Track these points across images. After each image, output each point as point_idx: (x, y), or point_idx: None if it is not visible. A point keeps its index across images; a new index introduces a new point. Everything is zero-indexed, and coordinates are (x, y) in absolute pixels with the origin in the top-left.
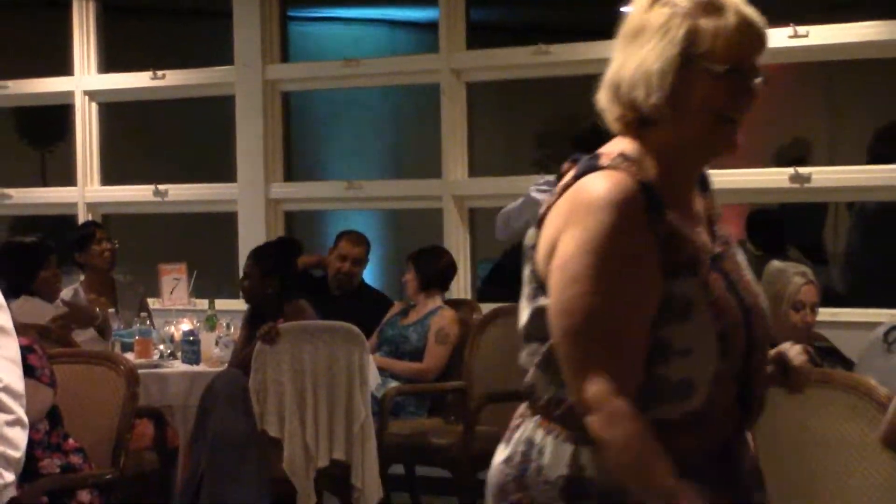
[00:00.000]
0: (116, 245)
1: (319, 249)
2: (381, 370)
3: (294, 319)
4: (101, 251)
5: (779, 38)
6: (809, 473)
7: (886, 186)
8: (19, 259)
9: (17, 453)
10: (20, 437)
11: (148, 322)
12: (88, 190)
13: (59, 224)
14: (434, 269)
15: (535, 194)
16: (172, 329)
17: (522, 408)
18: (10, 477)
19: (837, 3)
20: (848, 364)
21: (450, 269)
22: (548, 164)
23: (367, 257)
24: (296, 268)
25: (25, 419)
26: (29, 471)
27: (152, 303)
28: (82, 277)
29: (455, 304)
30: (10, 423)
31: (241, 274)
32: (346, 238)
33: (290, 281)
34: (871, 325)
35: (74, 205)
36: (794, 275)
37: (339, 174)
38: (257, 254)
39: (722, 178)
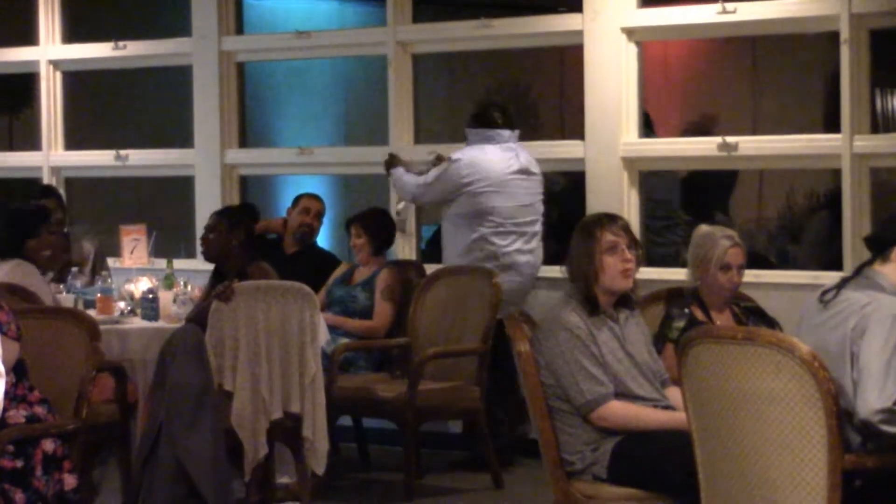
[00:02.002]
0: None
1: (273, 213)
2: (334, 328)
3: (259, 280)
4: (43, 245)
5: (708, 13)
6: (735, 426)
7: (807, 155)
8: (12, 224)
9: None
10: None
11: (109, 280)
12: (53, 154)
13: (25, 187)
14: (384, 233)
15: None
16: (132, 287)
17: None
18: None
19: None
20: (771, 323)
21: (393, 229)
22: None
23: (324, 214)
24: (255, 233)
25: (2, 369)
26: None
27: (113, 262)
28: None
29: (401, 264)
30: None
31: (202, 232)
32: (306, 196)
33: (251, 244)
34: (793, 286)
35: (39, 168)
36: (722, 238)
37: (292, 141)
38: (223, 211)
39: (653, 146)
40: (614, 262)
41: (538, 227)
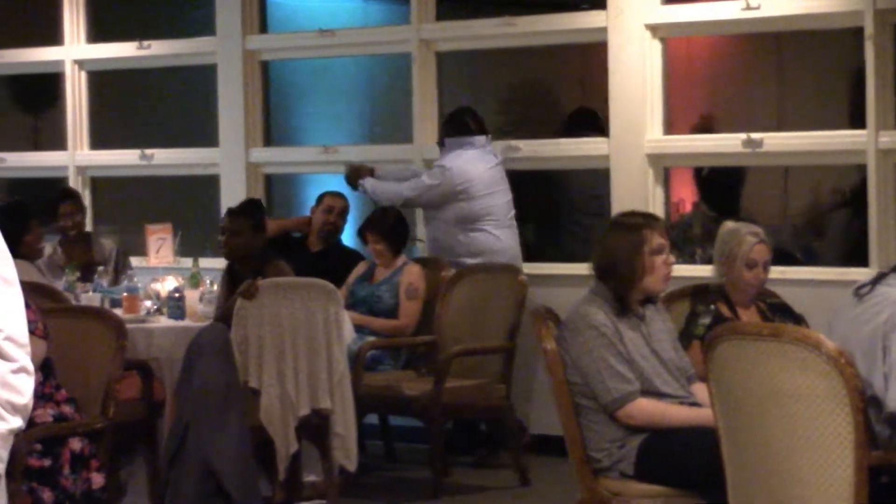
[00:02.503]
0: (76, 220)
1: (297, 211)
2: (360, 328)
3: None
4: (31, 241)
5: (732, 9)
6: (761, 422)
7: (832, 151)
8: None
9: (23, 400)
10: (25, 384)
11: (135, 279)
12: (78, 154)
13: (50, 186)
14: (400, 233)
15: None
16: (158, 286)
17: None
18: (16, 422)
19: None
20: (797, 319)
21: (405, 224)
22: (511, 129)
23: (348, 212)
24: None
25: (31, 367)
26: None
27: (139, 261)
28: (59, 237)
29: (425, 262)
30: (15, 371)
31: (221, 233)
32: (328, 194)
33: (269, 242)
34: (819, 283)
35: (64, 168)
36: (747, 234)
37: (316, 139)
38: (243, 212)
39: (678, 143)
40: (660, 264)
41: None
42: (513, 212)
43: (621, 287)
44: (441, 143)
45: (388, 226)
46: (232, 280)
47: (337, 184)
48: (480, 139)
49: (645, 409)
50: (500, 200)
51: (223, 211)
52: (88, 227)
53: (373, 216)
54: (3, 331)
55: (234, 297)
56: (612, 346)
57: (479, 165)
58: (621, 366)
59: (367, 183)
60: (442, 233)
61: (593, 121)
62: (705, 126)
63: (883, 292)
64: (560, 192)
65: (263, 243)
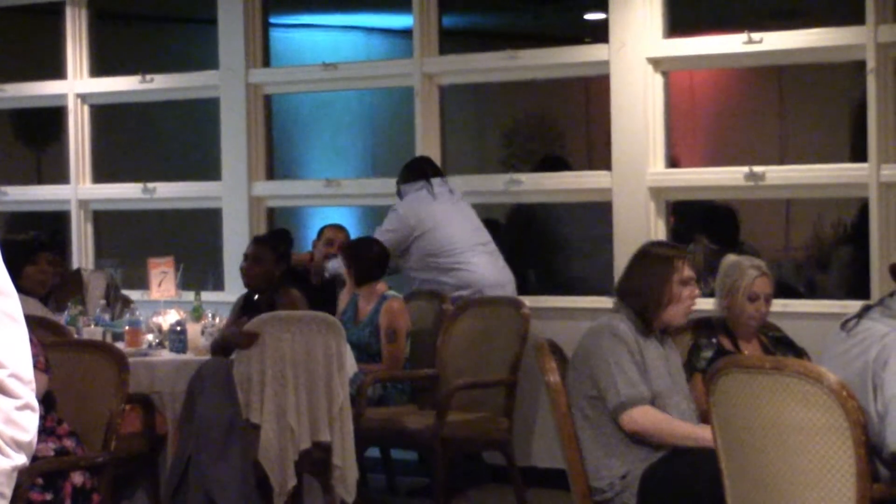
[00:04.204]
0: (52, 273)
1: (301, 244)
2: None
3: (287, 308)
4: (35, 273)
5: (734, 43)
6: (763, 456)
7: (834, 184)
8: (7, 256)
9: (28, 436)
10: (30, 420)
11: (138, 312)
12: (81, 188)
13: (53, 220)
14: (368, 260)
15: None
16: (160, 319)
17: None
18: (20, 459)
19: (788, 10)
20: (799, 352)
21: (383, 257)
22: (514, 162)
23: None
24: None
25: (35, 404)
26: None
27: (141, 294)
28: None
29: (428, 295)
30: (20, 408)
31: (238, 260)
32: (329, 227)
33: (288, 272)
34: (821, 316)
35: (67, 202)
36: (749, 267)
37: (319, 173)
38: (269, 240)
39: (680, 176)
40: (686, 296)
41: (495, 247)
42: (485, 239)
43: (644, 311)
44: (398, 193)
45: (356, 250)
46: (245, 308)
47: (340, 217)
48: (435, 181)
49: (649, 415)
50: (459, 229)
51: (225, 244)
52: (90, 262)
53: (357, 241)
54: (7, 367)
55: (228, 333)
56: (630, 354)
57: (430, 203)
58: (634, 374)
59: (329, 267)
60: (425, 274)
61: (563, 168)
62: (707, 159)
63: (868, 327)
64: (559, 224)
65: (282, 275)
